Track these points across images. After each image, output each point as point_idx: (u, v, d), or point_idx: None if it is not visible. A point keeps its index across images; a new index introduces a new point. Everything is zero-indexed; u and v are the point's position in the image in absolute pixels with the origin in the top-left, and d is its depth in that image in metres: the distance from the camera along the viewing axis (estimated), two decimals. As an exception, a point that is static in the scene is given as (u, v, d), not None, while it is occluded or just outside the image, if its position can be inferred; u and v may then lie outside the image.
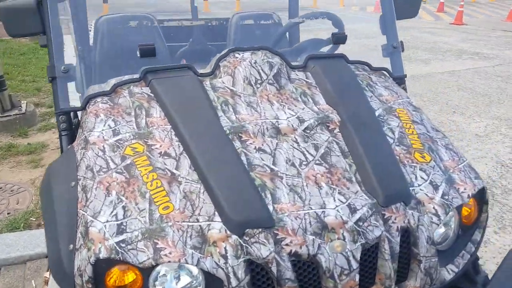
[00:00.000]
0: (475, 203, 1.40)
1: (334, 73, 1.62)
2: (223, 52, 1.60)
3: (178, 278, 1.07)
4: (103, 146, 1.28)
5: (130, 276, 1.05)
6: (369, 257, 1.18)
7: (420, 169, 1.35)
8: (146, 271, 1.05)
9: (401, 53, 1.93)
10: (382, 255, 1.18)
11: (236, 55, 1.58)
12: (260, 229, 1.08)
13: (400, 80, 1.92)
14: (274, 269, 1.07)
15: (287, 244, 1.09)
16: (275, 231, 1.09)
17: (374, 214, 1.17)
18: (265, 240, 1.08)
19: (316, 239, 1.10)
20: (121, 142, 1.29)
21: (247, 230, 1.08)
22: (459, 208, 1.34)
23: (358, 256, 1.13)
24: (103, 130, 1.33)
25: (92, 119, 1.38)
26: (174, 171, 1.22)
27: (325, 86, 1.55)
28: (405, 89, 1.92)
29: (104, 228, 1.07)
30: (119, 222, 1.09)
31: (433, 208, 1.26)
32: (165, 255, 1.04)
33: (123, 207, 1.12)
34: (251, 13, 2.63)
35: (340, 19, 2.15)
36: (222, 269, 1.05)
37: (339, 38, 1.81)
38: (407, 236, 1.23)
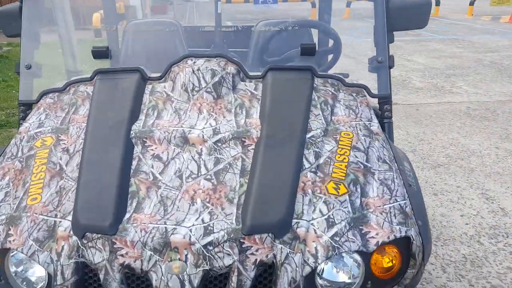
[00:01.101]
0: (398, 254, 1.15)
1: (284, 87, 1.49)
2: (177, 58, 1.60)
3: (28, 266, 1.12)
4: (23, 136, 1.41)
5: None
6: (215, 286, 1.07)
7: (324, 202, 1.16)
8: (1, 252, 1.13)
9: (389, 69, 1.67)
10: None
11: (189, 61, 1.57)
12: (99, 235, 1.07)
13: (385, 100, 1.67)
14: (101, 276, 1.06)
15: (122, 255, 1.05)
16: (113, 240, 1.06)
17: (229, 240, 1.06)
18: (101, 247, 1.07)
19: (154, 256, 1.05)
20: (39, 134, 1.40)
21: (87, 233, 1.08)
22: (366, 256, 1.12)
23: (196, 282, 1.03)
24: (33, 122, 1.46)
25: (34, 111, 1.53)
26: (64, 167, 1.27)
27: (266, 99, 1.45)
28: (388, 110, 1.67)
29: None
30: None
31: (315, 247, 1.08)
32: (9, 241, 1.10)
33: (6, 193, 1.22)
34: (276, 20, 2.55)
35: (331, 29, 1.95)
36: (53, 265, 1.07)
37: (306, 49, 1.66)
38: (271, 273, 1.08)
